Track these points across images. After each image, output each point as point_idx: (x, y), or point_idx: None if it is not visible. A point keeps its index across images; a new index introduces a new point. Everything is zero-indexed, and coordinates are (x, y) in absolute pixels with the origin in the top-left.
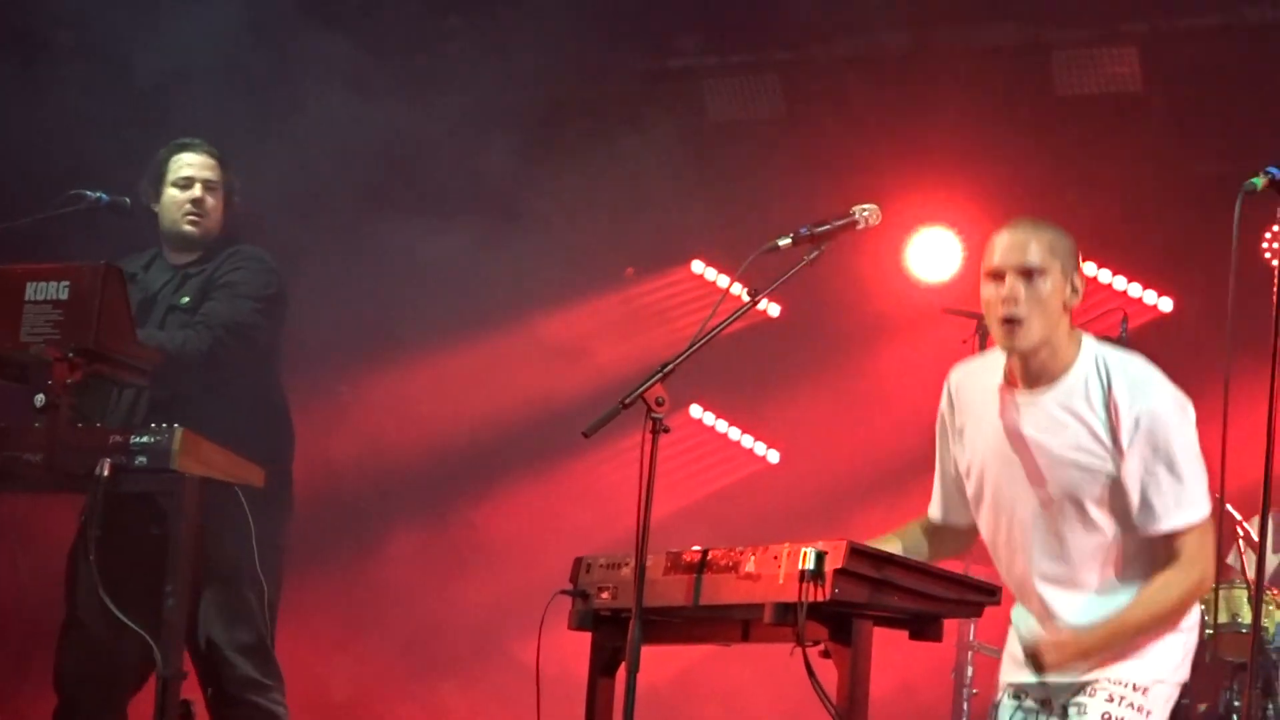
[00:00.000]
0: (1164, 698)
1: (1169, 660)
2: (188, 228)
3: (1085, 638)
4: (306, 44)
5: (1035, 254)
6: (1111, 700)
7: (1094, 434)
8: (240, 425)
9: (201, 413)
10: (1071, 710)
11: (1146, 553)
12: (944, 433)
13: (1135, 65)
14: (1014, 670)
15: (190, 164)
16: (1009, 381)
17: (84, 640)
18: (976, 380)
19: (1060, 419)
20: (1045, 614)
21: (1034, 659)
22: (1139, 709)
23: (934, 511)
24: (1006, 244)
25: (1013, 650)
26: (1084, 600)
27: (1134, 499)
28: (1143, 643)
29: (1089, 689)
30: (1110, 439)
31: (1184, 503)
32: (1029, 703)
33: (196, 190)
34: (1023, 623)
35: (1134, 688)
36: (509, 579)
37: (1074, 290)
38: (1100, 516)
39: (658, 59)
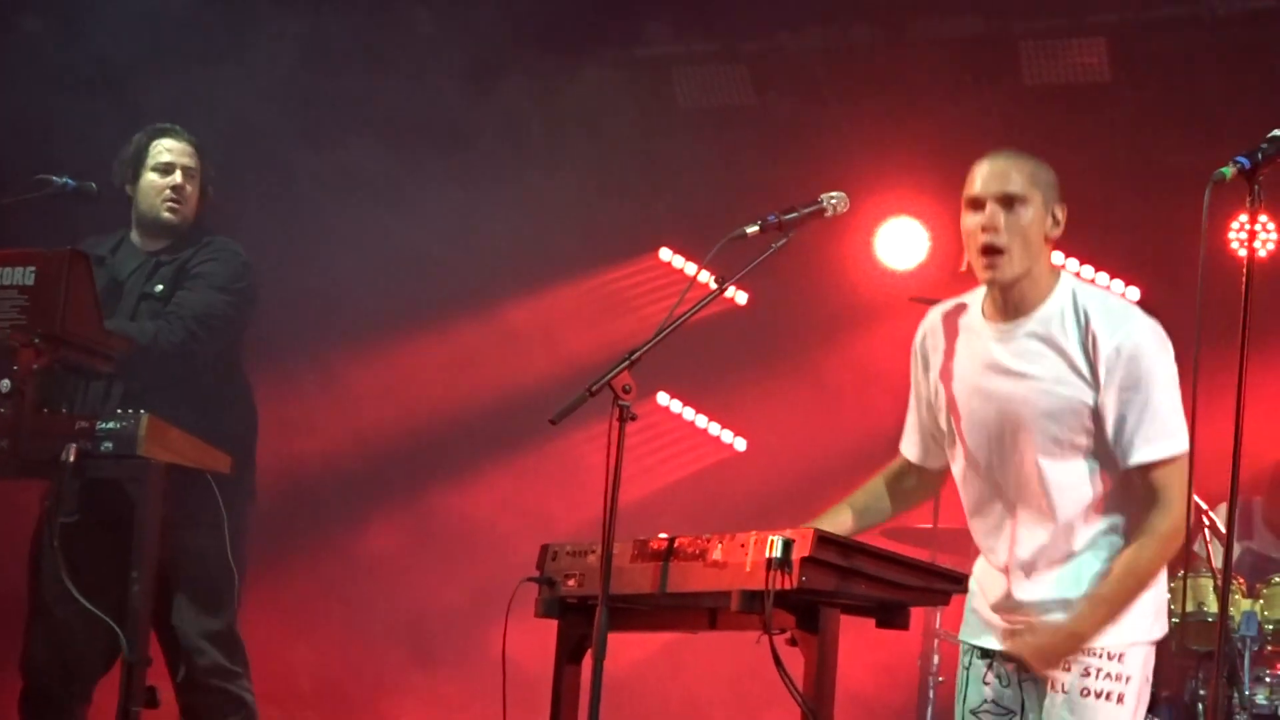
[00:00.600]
0: (1141, 658)
1: (1141, 620)
2: (166, 214)
3: (1078, 627)
4: (270, 24)
5: (1017, 182)
6: (1088, 674)
7: (1072, 364)
8: (208, 415)
9: (170, 403)
10: (1050, 694)
11: (1123, 489)
12: (917, 370)
13: (1103, 56)
14: (980, 632)
15: (170, 149)
16: (986, 316)
17: (51, 626)
18: (952, 318)
19: (1037, 349)
20: (1015, 561)
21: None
22: (1117, 676)
23: (907, 449)
24: (987, 172)
25: (978, 609)
26: (1059, 538)
27: (1110, 430)
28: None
29: (1062, 665)
30: (1089, 369)
31: (1161, 434)
32: (997, 662)
33: (177, 177)
34: (989, 581)
35: (1109, 655)
36: (476, 566)
37: (1055, 221)
38: (1078, 448)
39: (627, 47)
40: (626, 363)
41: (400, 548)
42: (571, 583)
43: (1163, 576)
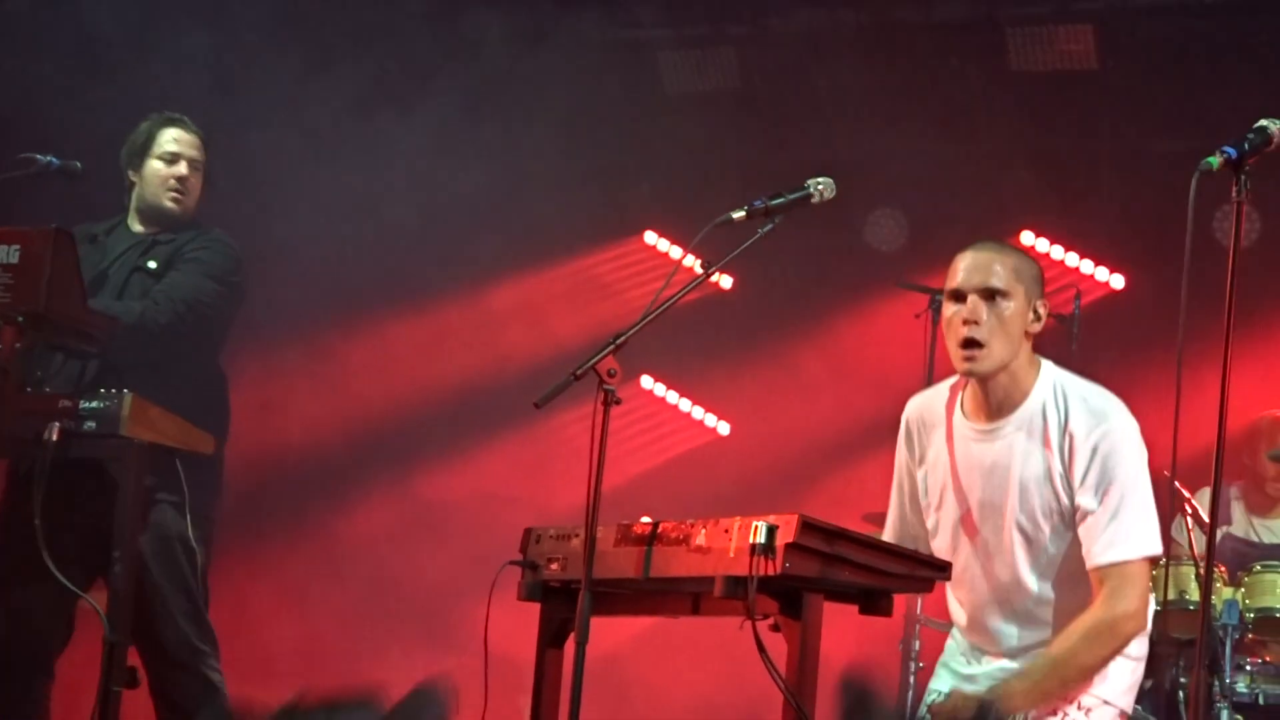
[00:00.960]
0: (1111, 716)
1: (1115, 683)
2: (169, 204)
3: (993, 695)
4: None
5: (1000, 275)
6: (1055, 714)
7: (1049, 464)
8: (184, 400)
9: (148, 385)
10: None
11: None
12: (904, 465)
13: (1091, 43)
14: (942, 681)
15: (177, 140)
16: (967, 414)
17: (16, 603)
18: (934, 412)
19: (1017, 448)
20: (993, 645)
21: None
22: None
23: (892, 537)
24: (970, 264)
25: (955, 670)
26: (1035, 632)
27: (1080, 531)
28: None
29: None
30: (1064, 469)
31: (1125, 538)
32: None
33: (182, 168)
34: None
35: (1078, 706)
36: (458, 548)
37: (1036, 316)
38: (1056, 547)
39: (614, 29)
40: (612, 347)
41: (382, 529)
42: (554, 566)
43: (1142, 653)
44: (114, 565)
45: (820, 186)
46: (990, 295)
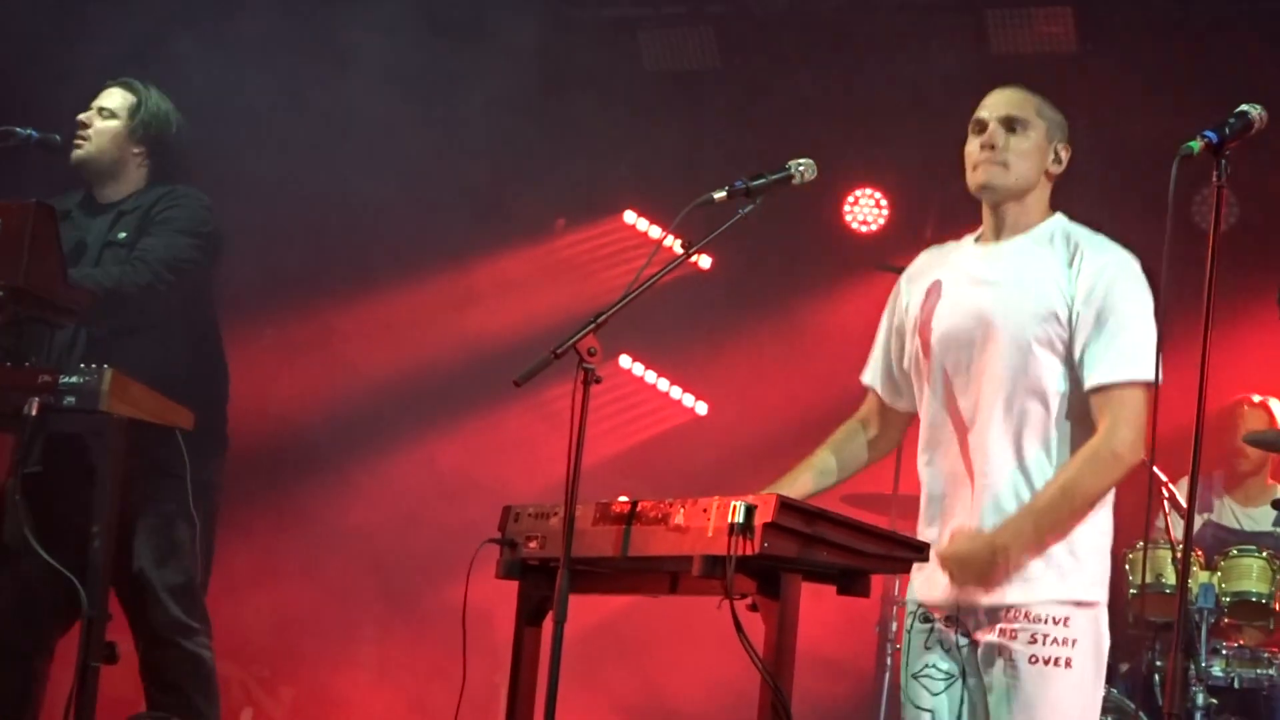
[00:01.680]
0: (1088, 621)
1: (1084, 577)
2: (72, 151)
3: (999, 537)
4: None
5: (1021, 107)
6: (1034, 640)
7: (1056, 282)
8: (175, 365)
9: (137, 352)
10: (998, 661)
11: (1084, 425)
12: (894, 302)
13: (1070, 25)
14: (923, 586)
15: (100, 96)
16: (977, 241)
17: (11, 581)
18: (941, 250)
19: (1024, 264)
20: (969, 491)
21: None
22: (1063, 641)
23: (868, 375)
24: (994, 97)
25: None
26: (1014, 465)
27: (1077, 347)
28: (1051, 542)
29: (1006, 629)
30: (1069, 283)
31: (1123, 359)
32: (939, 625)
33: (85, 115)
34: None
35: (1053, 620)
36: (437, 526)
37: (1057, 158)
38: (1051, 368)
39: (594, 7)
40: (592, 325)
41: (361, 506)
42: (533, 545)
43: (1108, 527)
44: (92, 540)
45: (801, 168)
46: (1010, 125)
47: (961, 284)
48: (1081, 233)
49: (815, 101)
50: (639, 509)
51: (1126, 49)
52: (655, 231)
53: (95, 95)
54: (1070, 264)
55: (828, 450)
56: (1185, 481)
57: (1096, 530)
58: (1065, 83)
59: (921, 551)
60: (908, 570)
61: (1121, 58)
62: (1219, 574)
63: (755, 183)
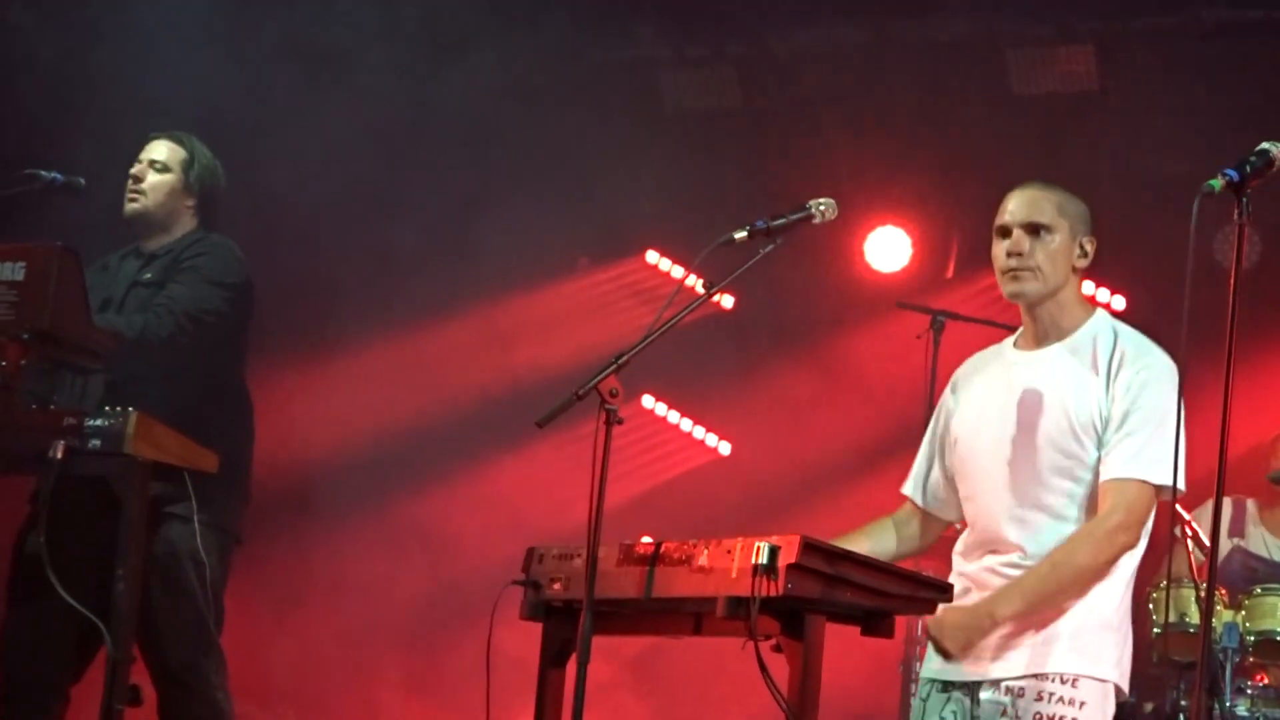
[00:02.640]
0: (1098, 695)
1: (1098, 652)
2: (127, 204)
3: (992, 606)
4: (272, 20)
5: (1044, 211)
6: (1041, 699)
7: (1093, 386)
8: (195, 411)
9: (156, 396)
10: (1000, 714)
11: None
12: (940, 409)
13: (1092, 64)
14: (933, 662)
15: (148, 149)
16: (1018, 346)
17: (29, 622)
18: (983, 358)
19: (1064, 368)
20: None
21: (939, 647)
22: (1070, 701)
23: (908, 487)
24: (1015, 201)
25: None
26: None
27: (1103, 449)
28: (1052, 617)
29: (1014, 688)
30: (1106, 401)
31: (1141, 459)
32: (956, 692)
33: (137, 168)
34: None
35: (1062, 680)
36: (460, 566)
37: (1083, 252)
38: (1076, 477)
39: (615, 48)
40: (614, 366)
41: (383, 549)
42: (557, 586)
43: (1124, 616)
44: (117, 583)
45: (822, 207)
46: (1035, 229)
47: (1004, 392)
48: (1125, 335)
49: (836, 140)
50: (662, 550)
51: (1147, 87)
52: (677, 271)
53: (135, 145)
54: (1109, 366)
55: (870, 534)
56: (1207, 507)
57: (1110, 608)
58: (1086, 121)
59: (945, 592)
60: (932, 610)
61: (1142, 96)
62: (1243, 613)
63: (776, 222)
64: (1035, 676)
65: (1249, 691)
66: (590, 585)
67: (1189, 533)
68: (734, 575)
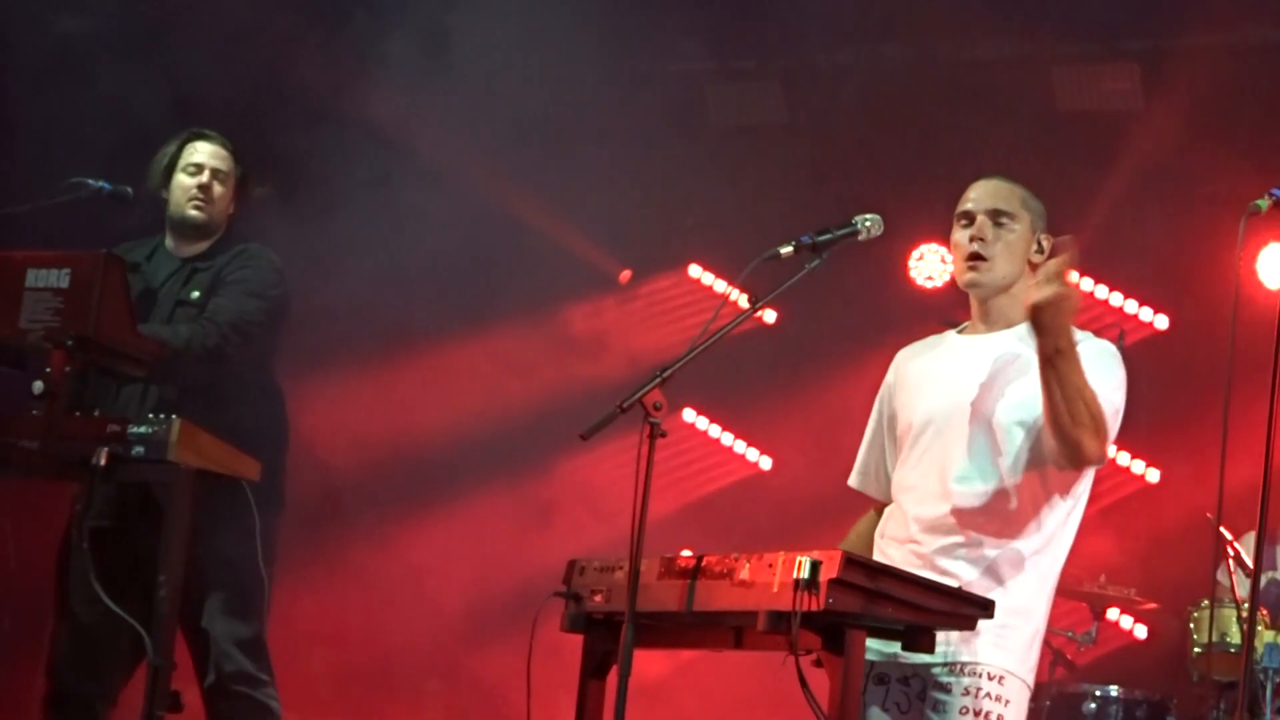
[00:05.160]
0: (1017, 692)
1: (1020, 651)
2: (193, 212)
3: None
4: (315, 36)
5: (1007, 200)
6: (968, 694)
7: (1034, 374)
8: (239, 421)
9: (202, 408)
10: (932, 702)
11: (1046, 511)
12: (881, 397)
13: (1136, 81)
14: (874, 646)
15: (202, 151)
16: (964, 333)
17: (77, 629)
18: (926, 343)
19: (1012, 351)
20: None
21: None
22: (998, 698)
23: (853, 478)
24: (979, 190)
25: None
26: (976, 544)
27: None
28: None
29: (946, 682)
30: None
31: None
32: (894, 685)
33: (204, 176)
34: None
35: (989, 676)
36: (500, 578)
37: (1040, 248)
38: (1028, 449)
39: (660, 63)
40: (658, 379)
41: (423, 558)
42: (598, 598)
43: (1044, 614)
44: (159, 589)
45: (869, 224)
46: (997, 218)
47: (943, 376)
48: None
49: (881, 156)
50: (704, 563)
51: (1193, 105)
52: (721, 285)
53: (173, 144)
54: None
55: (862, 541)
56: (1249, 538)
57: (1034, 606)
58: (1131, 139)
59: (987, 609)
60: (973, 627)
61: (1188, 114)
62: None
63: (821, 238)
64: (963, 670)
65: None
66: (632, 598)
67: (1231, 553)
68: (775, 589)
